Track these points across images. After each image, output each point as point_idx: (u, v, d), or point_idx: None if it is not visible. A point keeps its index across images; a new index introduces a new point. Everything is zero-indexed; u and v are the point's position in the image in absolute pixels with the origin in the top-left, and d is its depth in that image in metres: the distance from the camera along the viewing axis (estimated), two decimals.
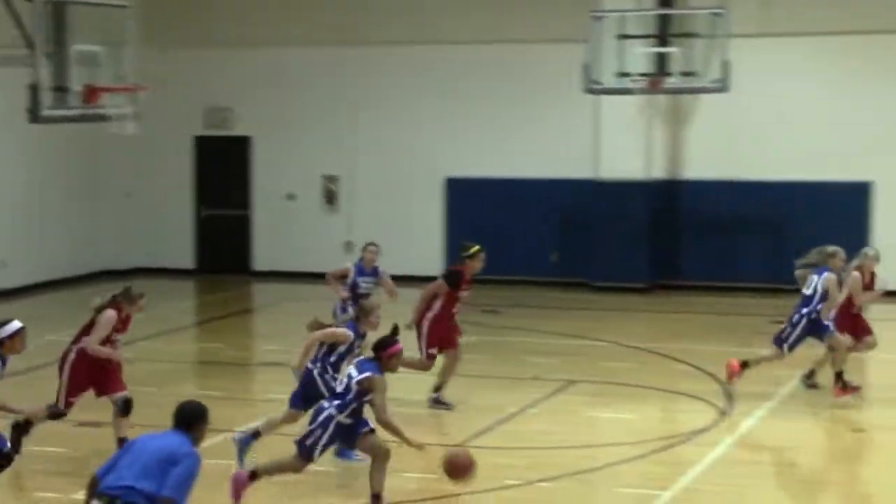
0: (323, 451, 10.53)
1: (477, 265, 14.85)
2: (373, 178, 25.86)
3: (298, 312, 18.05)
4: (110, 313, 12.32)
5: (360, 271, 16.12)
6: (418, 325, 14.70)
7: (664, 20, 22.39)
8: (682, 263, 24.62)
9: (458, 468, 10.13)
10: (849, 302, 15.46)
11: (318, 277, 24.45)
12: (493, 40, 24.95)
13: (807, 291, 15.15)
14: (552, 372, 16.27)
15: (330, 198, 26.15)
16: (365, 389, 10.23)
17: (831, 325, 14.99)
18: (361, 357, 10.69)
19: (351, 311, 15.04)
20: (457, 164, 25.40)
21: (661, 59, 22.11)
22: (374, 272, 16.13)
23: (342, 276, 16.07)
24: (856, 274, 15.54)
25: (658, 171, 24.40)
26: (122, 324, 12.50)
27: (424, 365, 14.72)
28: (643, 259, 23.98)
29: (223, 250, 26.45)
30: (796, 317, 15.07)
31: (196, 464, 7.87)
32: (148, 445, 7.95)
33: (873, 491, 11.53)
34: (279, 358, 15.73)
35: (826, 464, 12.47)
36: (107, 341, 12.33)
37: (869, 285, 15.66)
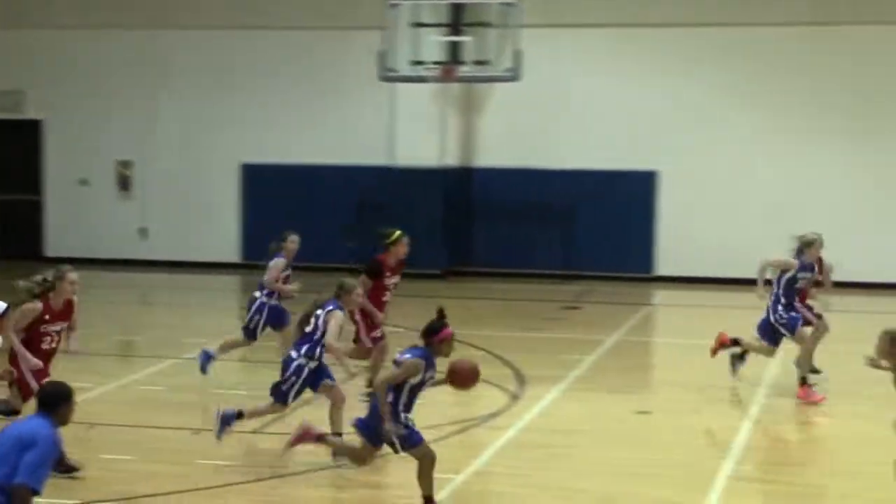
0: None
1: (401, 250, 14.76)
2: (168, 163, 25.69)
3: (92, 299, 17.81)
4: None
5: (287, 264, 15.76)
6: (353, 319, 14.47)
7: (458, 9, 22.72)
8: (476, 250, 25.05)
9: (463, 376, 10.60)
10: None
11: (111, 264, 24.21)
12: (291, 27, 24.98)
13: None
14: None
15: (124, 183, 25.88)
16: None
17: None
18: (414, 346, 10.48)
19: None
20: (253, 150, 25.40)
21: (455, 48, 22.45)
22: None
23: (281, 274, 15.57)
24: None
25: (452, 159, 24.75)
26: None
27: (367, 352, 14.65)
28: (438, 246, 24.30)
29: (14, 236, 25.96)
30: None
31: (51, 447, 7.73)
32: (7, 432, 7.82)
33: (653, 472, 11.92)
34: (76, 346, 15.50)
35: (609, 445, 12.85)
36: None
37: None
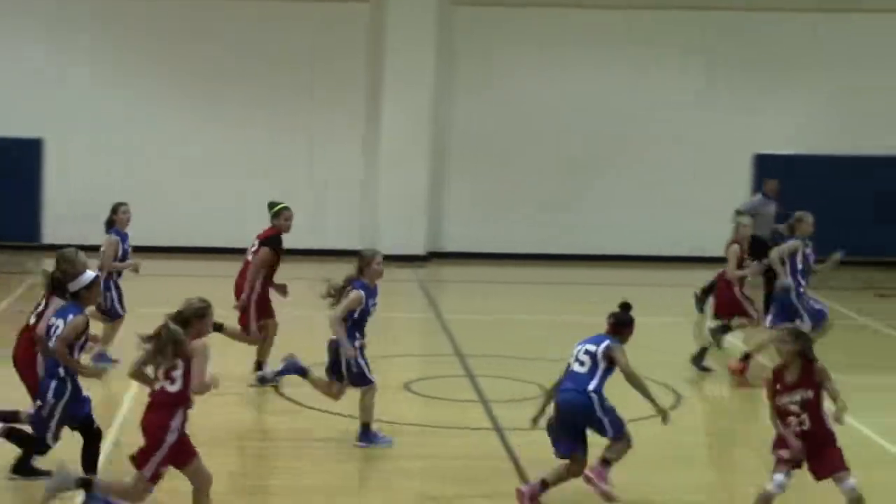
0: None
1: (283, 224, 14.34)
2: None
3: None
4: None
5: (124, 238, 15.16)
6: (247, 298, 14.08)
7: None
8: None
9: None
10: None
11: None
12: None
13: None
14: None
15: None
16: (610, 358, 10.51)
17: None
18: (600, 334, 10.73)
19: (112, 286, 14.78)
20: None
21: None
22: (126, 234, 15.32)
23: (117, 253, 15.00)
24: (735, 247, 15.50)
25: None
26: None
27: (256, 338, 14.32)
28: None
29: None
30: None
31: None
32: None
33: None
34: None
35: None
36: None
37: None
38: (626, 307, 10.91)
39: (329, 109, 24.54)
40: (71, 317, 10.32)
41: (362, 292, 11.98)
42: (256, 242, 14.48)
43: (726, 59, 24.59)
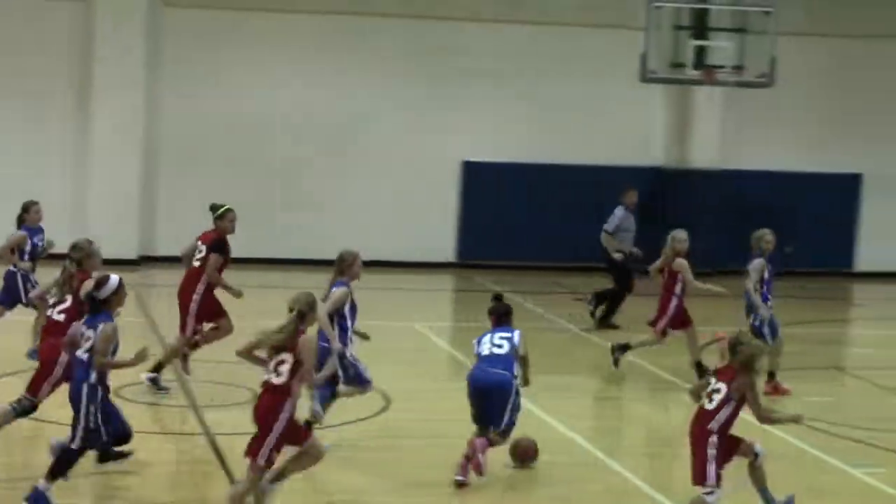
0: None
1: (228, 225, 14.64)
2: None
3: None
4: None
5: (32, 232, 15.69)
6: (187, 303, 14.00)
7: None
8: None
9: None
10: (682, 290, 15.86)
11: None
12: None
13: None
14: None
15: None
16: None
17: None
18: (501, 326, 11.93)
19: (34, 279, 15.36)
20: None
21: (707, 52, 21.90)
22: (41, 229, 15.83)
23: (17, 247, 15.47)
24: (682, 261, 16.00)
25: None
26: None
27: (189, 343, 14.54)
28: None
29: None
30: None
31: None
32: None
33: None
34: None
35: None
36: None
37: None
38: (498, 297, 12.41)
39: (37, 109, 24.16)
40: (101, 326, 10.52)
41: (346, 288, 12.59)
42: (203, 248, 14.62)
43: (438, 68, 25.18)
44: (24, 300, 15.67)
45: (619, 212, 20.37)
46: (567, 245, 25.27)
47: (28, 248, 15.65)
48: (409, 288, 23.09)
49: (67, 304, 11.80)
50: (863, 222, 25.85)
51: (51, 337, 11.66)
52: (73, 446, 10.63)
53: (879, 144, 25.98)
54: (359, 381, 12.71)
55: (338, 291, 12.52)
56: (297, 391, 10.19)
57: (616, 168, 25.28)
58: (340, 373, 12.56)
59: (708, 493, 10.35)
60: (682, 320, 16.29)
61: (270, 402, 10.11)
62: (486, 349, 12.07)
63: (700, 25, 22.29)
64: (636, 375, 16.84)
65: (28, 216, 15.74)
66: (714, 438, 10.32)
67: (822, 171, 25.82)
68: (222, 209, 14.76)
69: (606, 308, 19.84)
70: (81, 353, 10.55)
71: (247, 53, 24.72)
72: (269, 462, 10.18)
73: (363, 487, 11.74)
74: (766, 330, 15.62)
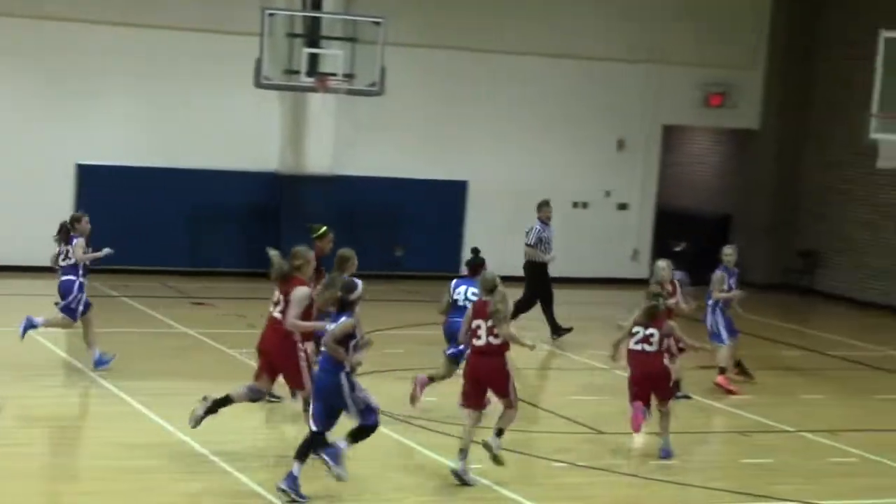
0: None
1: (326, 246, 15.41)
2: None
3: None
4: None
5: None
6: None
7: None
8: None
9: None
10: None
11: None
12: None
13: None
14: None
15: None
16: None
17: None
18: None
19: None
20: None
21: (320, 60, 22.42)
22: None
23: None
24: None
25: None
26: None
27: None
28: None
29: None
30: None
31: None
32: None
33: None
34: None
35: None
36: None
37: None
38: (476, 251, 15.41)
39: None
40: (343, 318, 11.89)
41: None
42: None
43: (53, 67, 24.70)
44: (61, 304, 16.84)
45: (536, 225, 21.43)
46: (184, 249, 25.33)
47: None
48: (22, 293, 22.57)
49: (283, 305, 13.20)
50: (468, 228, 26.86)
51: (271, 330, 13.35)
52: (369, 423, 12.03)
53: (483, 153, 27.09)
54: None
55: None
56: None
57: (233, 173, 25.50)
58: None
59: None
60: None
61: (495, 362, 12.83)
62: (461, 299, 14.82)
63: (313, 34, 22.76)
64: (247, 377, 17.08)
65: (79, 226, 16.77)
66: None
67: (431, 177, 26.72)
68: (322, 230, 15.59)
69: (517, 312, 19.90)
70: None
71: None
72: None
73: None
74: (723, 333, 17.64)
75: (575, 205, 27.63)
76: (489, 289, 12.84)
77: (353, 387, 11.86)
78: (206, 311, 21.97)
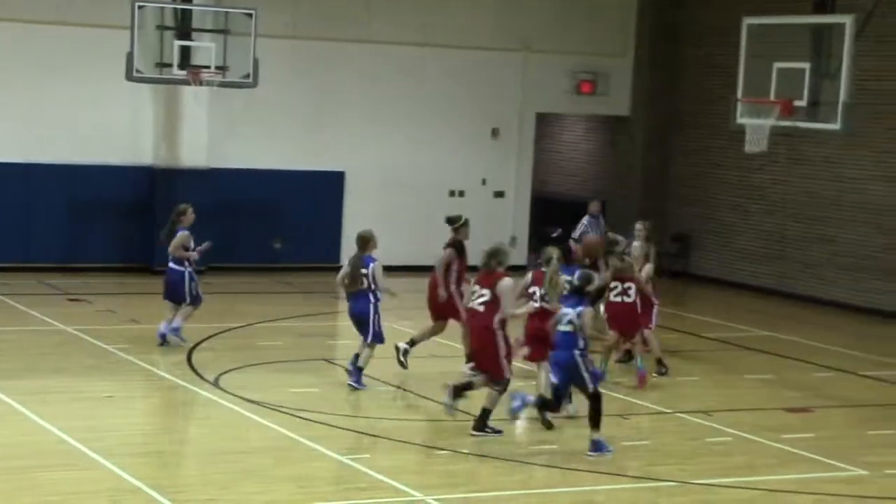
0: None
1: (466, 233, 17.37)
2: None
3: None
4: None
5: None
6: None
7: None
8: None
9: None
10: None
11: None
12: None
13: None
14: None
15: None
16: None
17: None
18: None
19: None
20: None
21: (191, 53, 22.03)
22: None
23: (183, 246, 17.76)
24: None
25: None
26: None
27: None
28: None
29: None
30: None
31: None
32: None
33: None
34: None
35: None
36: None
37: None
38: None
39: None
40: (581, 309, 13.69)
41: (379, 263, 16.21)
42: None
43: None
44: (187, 299, 18.05)
45: (584, 220, 22.26)
46: (61, 246, 25.05)
47: (191, 246, 17.95)
48: None
49: (487, 297, 14.35)
50: (346, 219, 26.88)
51: (475, 322, 14.59)
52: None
53: (360, 143, 27.13)
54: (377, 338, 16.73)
55: (376, 266, 16.28)
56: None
57: (108, 167, 25.29)
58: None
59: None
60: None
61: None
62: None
63: (184, 26, 22.60)
64: (131, 374, 17.01)
65: (185, 218, 17.91)
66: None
67: (308, 168, 26.71)
68: (463, 220, 17.28)
69: None
70: (565, 328, 13.71)
71: None
72: None
73: None
74: None
75: (452, 193, 27.80)
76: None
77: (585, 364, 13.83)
78: (82, 308, 21.76)
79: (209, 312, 19.43)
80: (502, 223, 28.35)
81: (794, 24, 20.44)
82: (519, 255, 26.90)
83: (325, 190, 26.90)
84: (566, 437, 14.65)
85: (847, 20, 18.88)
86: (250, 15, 22.45)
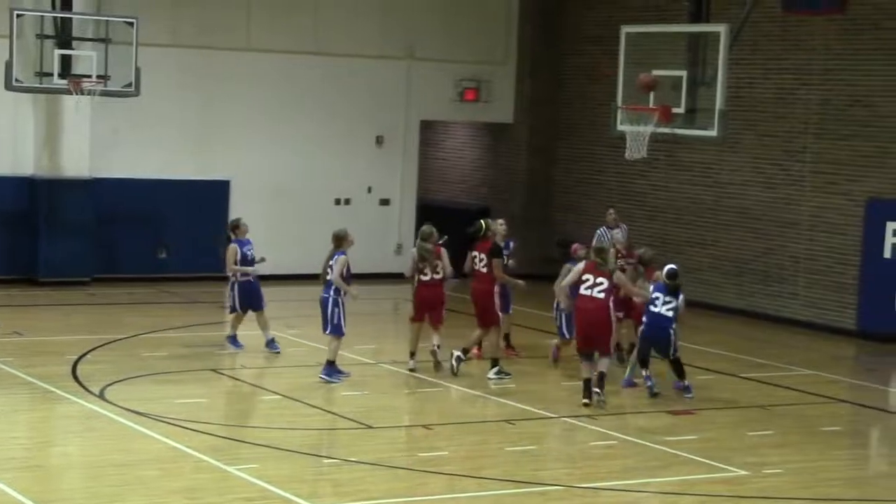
0: None
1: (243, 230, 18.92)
2: None
3: None
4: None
5: (241, 244, 18.99)
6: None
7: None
8: None
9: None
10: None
11: None
12: None
13: None
14: None
15: None
16: None
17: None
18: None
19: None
20: None
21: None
22: (249, 241, 19.14)
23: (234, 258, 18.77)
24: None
25: None
26: None
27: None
28: None
29: None
30: None
31: None
32: None
33: None
34: None
35: None
36: None
37: None
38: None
39: None
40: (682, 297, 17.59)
41: (345, 256, 17.37)
42: (483, 256, 18.65)
43: None
44: (238, 308, 19.11)
45: (598, 231, 22.47)
46: None
47: (239, 257, 18.84)
48: None
49: (605, 285, 16.53)
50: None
51: (592, 304, 16.51)
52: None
53: (245, 152, 27.04)
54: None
55: (343, 258, 17.35)
56: None
57: None
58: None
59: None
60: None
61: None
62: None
63: (64, 35, 22.39)
64: (14, 387, 16.82)
65: (238, 230, 19.04)
66: None
67: (193, 177, 26.55)
68: (483, 228, 18.57)
69: None
70: (663, 310, 17.16)
71: None
72: None
73: None
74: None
75: (338, 201, 27.82)
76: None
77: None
78: None
79: (93, 323, 19.27)
80: (389, 231, 28.43)
81: (672, 33, 20.78)
82: (405, 263, 26.99)
83: (210, 199, 26.76)
84: (457, 443, 14.76)
85: (721, 29, 19.24)
86: (131, 24, 22.35)
